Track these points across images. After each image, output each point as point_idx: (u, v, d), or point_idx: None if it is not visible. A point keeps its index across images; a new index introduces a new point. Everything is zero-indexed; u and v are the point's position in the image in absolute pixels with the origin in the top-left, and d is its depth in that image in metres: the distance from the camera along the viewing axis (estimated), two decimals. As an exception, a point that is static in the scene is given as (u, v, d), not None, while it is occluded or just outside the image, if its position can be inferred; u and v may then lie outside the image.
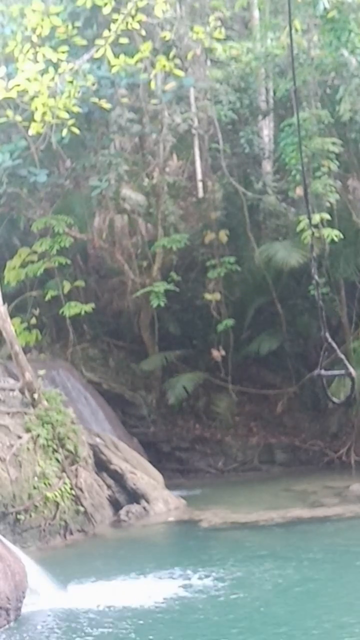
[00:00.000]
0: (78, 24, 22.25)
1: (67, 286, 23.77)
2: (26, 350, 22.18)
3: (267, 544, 15.96)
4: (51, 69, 20.65)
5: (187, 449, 24.50)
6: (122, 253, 24.06)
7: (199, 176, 24.63)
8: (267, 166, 24.38)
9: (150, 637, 11.34)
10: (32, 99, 20.56)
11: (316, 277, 10.59)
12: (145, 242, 24.14)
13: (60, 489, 17.37)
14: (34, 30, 21.69)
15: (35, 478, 17.07)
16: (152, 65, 22.02)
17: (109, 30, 20.61)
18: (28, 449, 17.41)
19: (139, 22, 20.89)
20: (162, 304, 22.85)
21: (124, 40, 21.30)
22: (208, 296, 23.80)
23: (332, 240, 21.10)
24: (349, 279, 23.45)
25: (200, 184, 24.71)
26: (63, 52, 21.09)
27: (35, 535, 16.70)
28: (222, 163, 23.39)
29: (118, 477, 19.56)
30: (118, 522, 18.50)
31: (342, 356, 9.34)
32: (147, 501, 19.12)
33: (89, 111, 21.96)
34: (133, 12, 20.61)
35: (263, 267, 23.30)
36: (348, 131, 21.85)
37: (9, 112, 21.28)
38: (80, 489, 17.95)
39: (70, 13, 22.42)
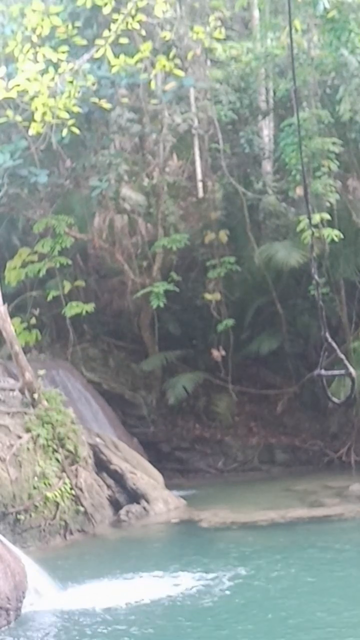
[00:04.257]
0: (78, 24, 22.24)
1: (67, 286, 23.77)
2: (26, 350, 22.17)
3: (267, 544, 15.95)
4: (51, 69, 20.63)
5: (187, 449, 24.50)
6: (122, 253, 24.06)
7: (199, 176, 24.63)
8: (267, 166, 24.38)
9: (150, 637, 11.34)
10: (32, 99, 20.54)
11: (316, 277, 10.56)
12: (145, 242, 24.14)
13: (60, 489, 17.38)
14: (34, 30, 21.67)
15: (35, 478, 17.07)
16: (152, 65, 22.01)
17: (109, 30, 20.59)
18: (28, 449, 17.41)
19: (139, 22, 20.86)
20: (162, 305, 22.85)
21: (124, 40, 21.28)
22: (208, 296, 23.80)
23: (332, 240, 21.10)
24: (349, 279, 23.45)
25: (200, 184, 24.71)
26: (63, 52, 21.07)
27: (35, 535, 16.70)
28: (222, 163, 23.39)
29: (118, 477, 19.56)
30: (118, 522, 18.51)
31: (342, 356, 9.33)
32: (147, 501, 19.13)
33: (89, 111, 21.96)
34: (133, 12, 20.58)
35: (263, 267, 23.29)
36: (348, 131, 21.84)
37: (9, 112, 21.27)
38: (80, 489, 17.95)
39: (70, 13, 22.42)
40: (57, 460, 17.80)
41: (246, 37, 25.14)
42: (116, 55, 21.05)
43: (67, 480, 17.68)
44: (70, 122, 20.84)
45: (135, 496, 19.29)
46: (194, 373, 24.42)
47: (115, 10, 20.93)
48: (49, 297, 23.94)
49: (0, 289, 19.51)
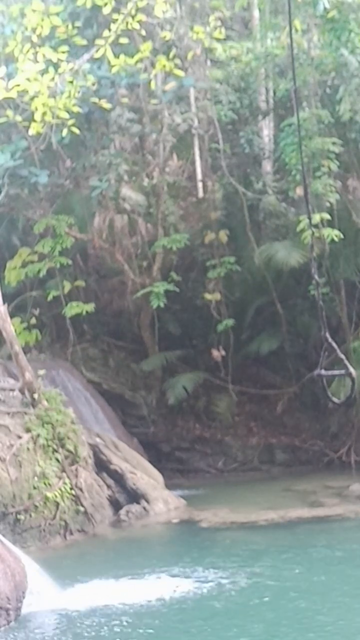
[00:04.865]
0: (78, 24, 22.23)
1: (67, 286, 23.77)
2: (26, 350, 22.17)
3: (266, 544, 15.95)
4: (51, 69, 20.63)
5: (187, 449, 24.50)
6: (122, 253, 24.06)
7: (199, 176, 24.64)
8: (267, 166, 24.38)
9: (150, 637, 11.34)
10: (32, 99, 20.54)
11: (316, 277, 10.58)
12: (145, 242, 24.14)
13: (60, 489, 17.38)
14: (34, 30, 21.67)
15: (35, 478, 17.07)
16: (152, 65, 22.00)
17: (109, 30, 20.60)
18: (28, 449, 17.41)
19: (139, 22, 20.87)
20: (162, 305, 22.85)
21: (124, 40, 21.28)
22: (208, 296, 23.80)
23: (332, 240, 21.09)
24: (349, 279, 23.45)
25: (200, 184, 24.71)
26: (63, 52, 21.07)
27: (35, 535, 16.70)
28: (222, 163, 23.39)
29: (118, 477, 19.56)
30: (118, 522, 18.51)
31: (342, 356, 9.33)
32: (147, 501, 19.12)
33: (89, 111, 21.95)
34: (133, 12, 20.59)
35: (263, 267, 23.29)
36: (348, 131, 21.84)
37: (9, 112, 21.26)
38: (80, 489, 17.95)
39: (70, 13, 22.41)
40: (57, 460, 17.80)
41: (246, 37, 25.15)
42: (116, 55, 21.05)
43: (67, 480, 17.68)
44: (70, 122, 20.84)
45: (135, 496, 19.29)
46: (194, 373, 24.42)
47: (115, 10, 20.93)
48: (49, 297, 23.93)
49: (0, 289, 19.51)
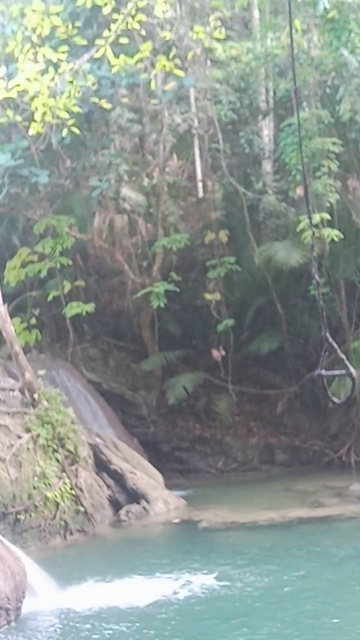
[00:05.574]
0: (78, 24, 22.23)
1: (67, 286, 23.77)
2: (26, 350, 22.16)
3: (266, 544, 15.95)
4: (51, 69, 20.63)
5: (187, 449, 24.49)
6: (122, 253, 24.06)
7: (199, 176, 24.64)
8: (267, 166, 24.38)
9: (150, 637, 11.33)
10: (32, 99, 20.54)
11: (316, 277, 10.59)
12: (145, 242, 24.14)
13: (60, 489, 17.38)
14: (34, 30, 21.67)
15: (35, 478, 17.08)
16: (152, 65, 22.00)
17: (109, 30, 20.60)
18: (28, 449, 17.41)
19: (139, 22, 20.87)
20: (162, 305, 22.85)
21: (124, 40, 21.28)
22: (208, 296, 23.80)
23: (332, 240, 21.09)
24: (349, 279, 23.44)
25: (200, 184, 24.72)
26: (63, 52, 21.07)
27: (35, 535, 16.70)
28: (222, 163, 23.39)
29: (118, 477, 19.56)
30: (118, 522, 18.51)
31: (343, 356, 9.32)
32: (147, 501, 19.12)
33: (89, 111, 21.95)
34: (133, 12, 20.59)
35: (263, 267, 23.29)
36: (348, 131, 21.84)
37: (9, 112, 21.26)
38: (80, 489, 17.95)
39: (70, 13, 22.41)
40: (57, 460, 17.81)
41: (246, 37, 25.15)
42: (116, 55, 21.05)
43: (67, 480, 17.69)
44: (70, 122, 20.83)
45: (135, 496, 19.29)
46: (194, 373, 24.41)
47: (115, 10, 20.93)
48: (49, 297, 23.92)
49: (0, 289, 19.51)
